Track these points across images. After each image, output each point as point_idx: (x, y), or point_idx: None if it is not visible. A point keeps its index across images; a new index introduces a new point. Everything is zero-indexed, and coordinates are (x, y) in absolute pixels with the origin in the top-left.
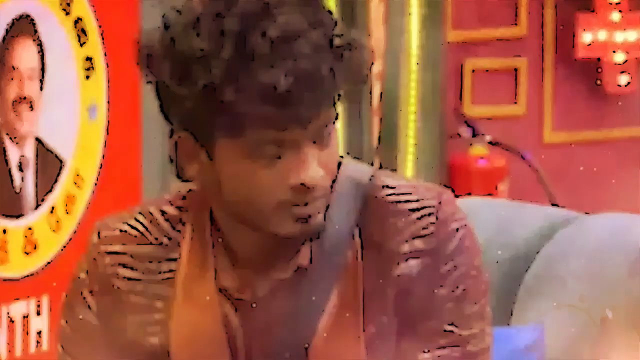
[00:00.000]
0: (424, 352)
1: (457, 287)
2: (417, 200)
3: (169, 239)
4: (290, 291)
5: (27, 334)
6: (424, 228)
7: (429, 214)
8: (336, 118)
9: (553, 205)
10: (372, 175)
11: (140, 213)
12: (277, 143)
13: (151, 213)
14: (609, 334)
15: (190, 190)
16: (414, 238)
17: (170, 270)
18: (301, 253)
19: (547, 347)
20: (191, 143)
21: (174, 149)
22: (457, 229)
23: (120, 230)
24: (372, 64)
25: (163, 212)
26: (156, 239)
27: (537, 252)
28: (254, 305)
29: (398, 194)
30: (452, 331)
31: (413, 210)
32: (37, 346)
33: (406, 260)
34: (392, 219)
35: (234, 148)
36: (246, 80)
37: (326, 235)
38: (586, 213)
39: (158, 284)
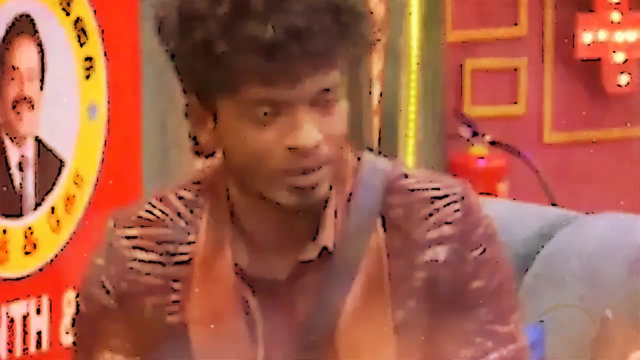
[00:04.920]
0: (460, 346)
1: (493, 278)
2: (441, 189)
3: (186, 222)
4: (315, 273)
5: (27, 334)
6: (451, 214)
7: (455, 201)
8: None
9: (553, 205)
10: (393, 165)
11: (155, 199)
12: (270, 103)
13: (167, 198)
14: (609, 334)
15: (204, 175)
16: (440, 225)
17: (188, 253)
18: (325, 234)
19: (547, 347)
20: (198, 108)
21: (187, 118)
22: (483, 217)
23: (137, 216)
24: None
25: (180, 197)
26: (172, 220)
27: (537, 252)
28: (274, 286)
29: (422, 182)
30: (490, 324)
31: (438, 197)
32: (37, 346)
33: (433, 245)
34: (417, 205)
35: (232, 108)
36: (238, 33)
37: (351, 219)
38: (586, 213)
39: (175, 266)
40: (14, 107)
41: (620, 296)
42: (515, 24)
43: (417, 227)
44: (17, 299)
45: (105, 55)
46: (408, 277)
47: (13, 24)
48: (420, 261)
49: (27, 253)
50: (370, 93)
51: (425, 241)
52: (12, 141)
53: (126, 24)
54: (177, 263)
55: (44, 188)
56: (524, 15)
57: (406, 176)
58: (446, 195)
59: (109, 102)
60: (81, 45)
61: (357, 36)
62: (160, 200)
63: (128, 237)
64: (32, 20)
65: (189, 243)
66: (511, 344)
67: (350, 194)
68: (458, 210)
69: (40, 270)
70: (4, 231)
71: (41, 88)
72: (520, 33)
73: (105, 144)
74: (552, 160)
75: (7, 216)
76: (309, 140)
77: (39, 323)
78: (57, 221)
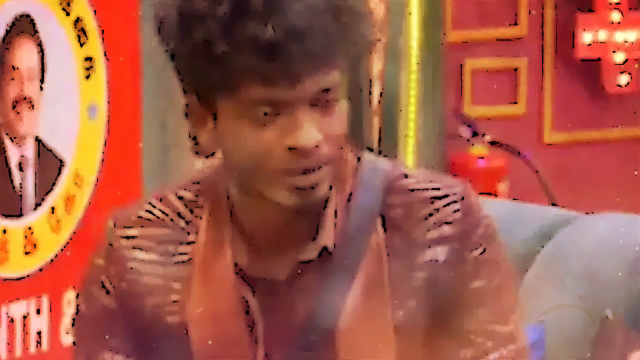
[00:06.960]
0: (460, 346)
1: (493, 278)
2: (441, 189)
3: (187, 222)
4: (315, 273)
5: (27, 334)
6: (451, 214)
7: (455, 201)
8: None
9: (553, 205)
10: (393, 165)
11: (155, 199)
12: (270, 103)
13: (167, 198)
14: (609, 334)
15: (204, 175)
16: (440, 225)
17: (188, 253)
18: (325, 234)
19: (547, 347)
20: (198, 108)
21: (187, 118)
22: (483, 217)
23: (137, 216)
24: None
25: (179, 197)
26: (172, 220)
27: (537, 252)
28: (274, 286)
29: (422, 182)
30: (490, 324)
31: (438, 197)
32: (37, 346)
33: (433, 245)
34: (417, 205)
35: (232, 108)
36: (238, 33)
37: (351, 219)
38: (586, 213)
39: (175, 266)
40: (14, 107)
41: (620, 296)
42: (515, 24)
43: (417, 227)
44: (17, 299)
45: (105, 55)
46: (408, 277)
47: (13, 24)
48: (420, 261)
49: (27, 253)
50: (370, 93)
51: (425, 241)
52: (12, 141)
53: (126, 24)
54: (177, 263)
55: (44, 188)
56: (524, 15)
57: (406, 176)
58: (446, 195)
59: (109, 102)
60: (81, 45)
61: (357, 36)
62: (160, 200)
63: (128, 237)
64: (32, 20)
65: (189, 243)
66: (511, 344)
67: (350, 194)
68: (458, 210)
69: (40, 270)
70: (4, 231)
71: (41, 88)
72: (520, 33)
73: (105, 144)
74: (552, 160)
75: (7, 216)
76: (309, 140)
77: (39, 323)
78: (57, 221)
